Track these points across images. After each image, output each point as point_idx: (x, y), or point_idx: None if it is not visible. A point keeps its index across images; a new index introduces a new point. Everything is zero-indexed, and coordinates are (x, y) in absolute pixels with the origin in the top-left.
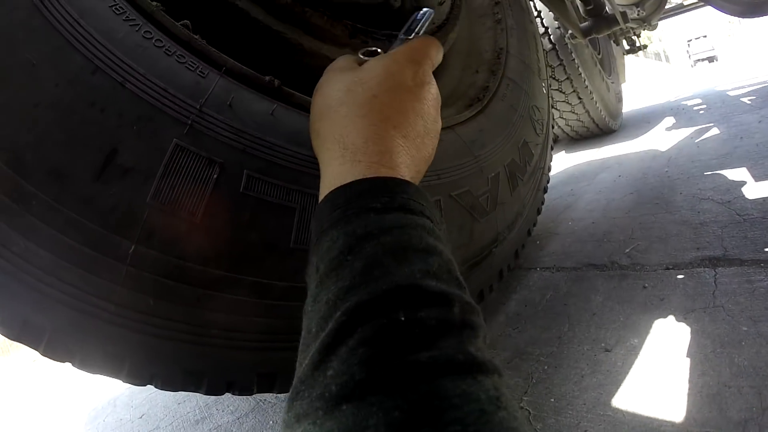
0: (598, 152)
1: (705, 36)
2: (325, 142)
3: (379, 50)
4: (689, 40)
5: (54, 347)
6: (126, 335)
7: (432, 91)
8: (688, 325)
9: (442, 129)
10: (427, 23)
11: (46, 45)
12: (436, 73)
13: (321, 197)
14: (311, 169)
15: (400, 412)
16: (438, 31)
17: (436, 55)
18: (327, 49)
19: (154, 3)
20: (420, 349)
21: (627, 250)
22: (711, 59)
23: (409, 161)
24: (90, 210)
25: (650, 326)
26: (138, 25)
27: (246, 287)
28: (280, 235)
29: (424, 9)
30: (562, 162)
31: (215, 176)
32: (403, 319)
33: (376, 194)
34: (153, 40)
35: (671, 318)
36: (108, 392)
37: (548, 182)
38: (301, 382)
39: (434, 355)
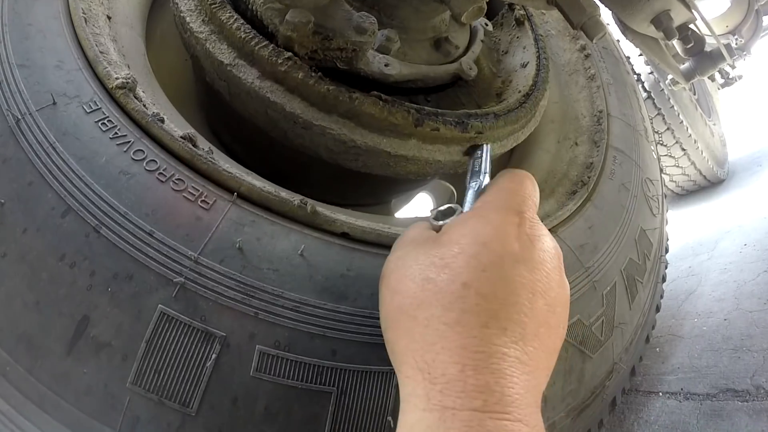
0: (711, 209)
1: None
2: (402, 367)
3: (454, 206)
4: None
5: None
6: None
7: (548, 246)
8: None
9: None
10: (490, 157)
11: (18, 179)
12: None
13: None
14: (354, 334)
15: None
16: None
17: (536, 191)
18: (387, 142)
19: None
20: None
21: None
22: None
23: (528, 380)
24: (65, 388)
25: None
26: (128, 142)
27: None
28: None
29: (481, 144)
30: (672, 225)
31: (214, 356)
32: None
33: None
34: (144, 162)
35: None
36: None
37: (666, 266)
38: None
39: None
